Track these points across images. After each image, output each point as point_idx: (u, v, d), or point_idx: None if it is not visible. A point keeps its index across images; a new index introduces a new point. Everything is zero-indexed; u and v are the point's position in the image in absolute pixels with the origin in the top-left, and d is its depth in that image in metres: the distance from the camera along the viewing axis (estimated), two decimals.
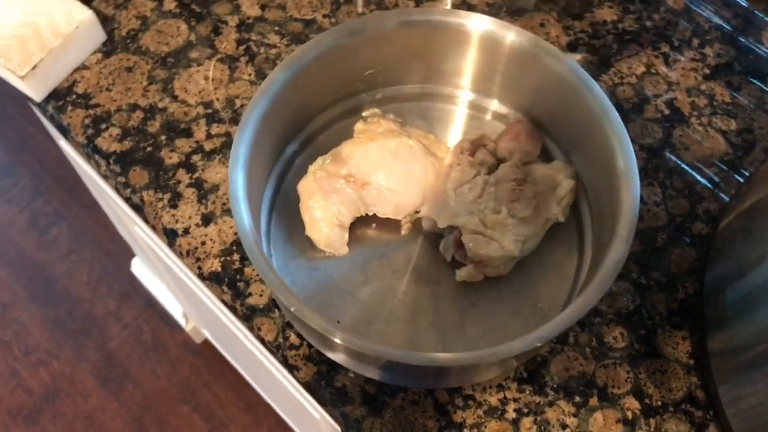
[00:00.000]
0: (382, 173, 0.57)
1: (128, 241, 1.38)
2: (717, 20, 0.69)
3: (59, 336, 1.60)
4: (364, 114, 0.61)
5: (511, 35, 0.56)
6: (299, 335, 0.55)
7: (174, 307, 1.49)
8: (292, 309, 0.46)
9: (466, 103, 0.63)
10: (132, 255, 1.53)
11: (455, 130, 0.62)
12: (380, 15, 0.57)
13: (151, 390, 1.55)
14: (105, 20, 0.68)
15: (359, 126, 0.59)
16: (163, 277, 1.22)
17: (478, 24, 0.56)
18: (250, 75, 0.65)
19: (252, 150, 0.52)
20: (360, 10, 0.70)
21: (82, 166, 0.94)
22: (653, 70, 0.66)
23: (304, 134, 0.61)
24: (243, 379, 1.48)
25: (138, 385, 1.56)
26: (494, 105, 0.62)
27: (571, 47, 0.67)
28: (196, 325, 1.48)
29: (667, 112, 0.64)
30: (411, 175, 0.58)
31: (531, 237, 0.56)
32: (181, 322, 1.51)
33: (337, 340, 0.46)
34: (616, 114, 0.52)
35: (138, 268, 1.53)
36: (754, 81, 0.66)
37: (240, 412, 1.53)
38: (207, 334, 1.45)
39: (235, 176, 0.50)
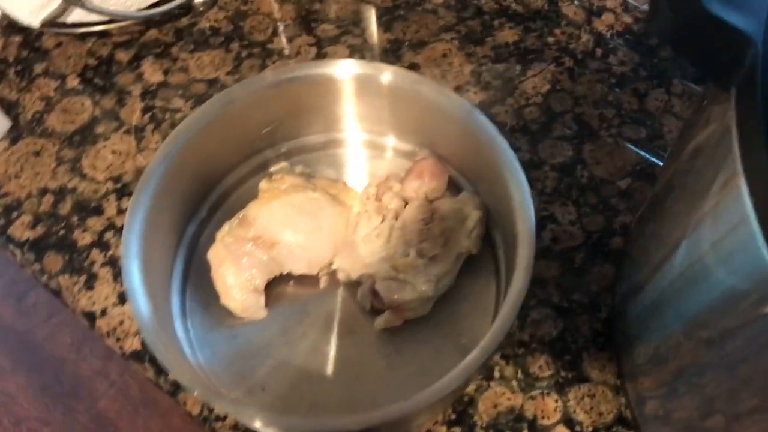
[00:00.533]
0: (289, 231, 0.56)
1: None
2: (618, 27, 0.69)
3: (48, 402, 1.60)
4: (272, 169, 0.61)
5: (386, 75, 0.55)
6: None
7: None
8: (195, 393, 0.46)
9: (368, 145, 0.62)
10: None
11: (363, 174, 0.62)
12: (247, 83, 0.56)
13: None
14: (9, 106, 0.68)
15: (263, 185, 0.59)
16: None
17: (347, 70, 0.56)
18: (157, 143, 0.65)
19: (148, 232, 0.51)
20: (287, 52, 0.70)
21: None
22: (558, 87, 0.66)
23: (212, 198, 0.60)
24: None
25: None
26: (393, 143, 0.62)
27: (475, 74, 0.67)
28: None
29: (575, 128, 0.64)
30: (319, 229, 0.57)
31: (445, 274, 0.55)
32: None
33: (257, 424, 0.46)
34: (506, 144, 0.52)
35: None
36: (661, 85, 0.66)
37: None
38: None
39: (130, 268, 0.49)
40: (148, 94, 0.68)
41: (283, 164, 0.61)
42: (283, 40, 0.70)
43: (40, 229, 0.62)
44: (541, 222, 0.59)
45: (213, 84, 0.68)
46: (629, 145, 0.63)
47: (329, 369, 0.55)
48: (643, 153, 0.62)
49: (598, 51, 0.68)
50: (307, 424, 0.48)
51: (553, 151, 0.63)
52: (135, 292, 0.49)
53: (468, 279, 0.57)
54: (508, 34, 0.69)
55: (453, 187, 0.60)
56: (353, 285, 0.58)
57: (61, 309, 1.69)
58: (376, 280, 0.55)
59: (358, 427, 0.47)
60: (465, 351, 0.54)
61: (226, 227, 0.57)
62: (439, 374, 0.51)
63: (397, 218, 0.57)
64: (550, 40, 0.69)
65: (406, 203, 0.58)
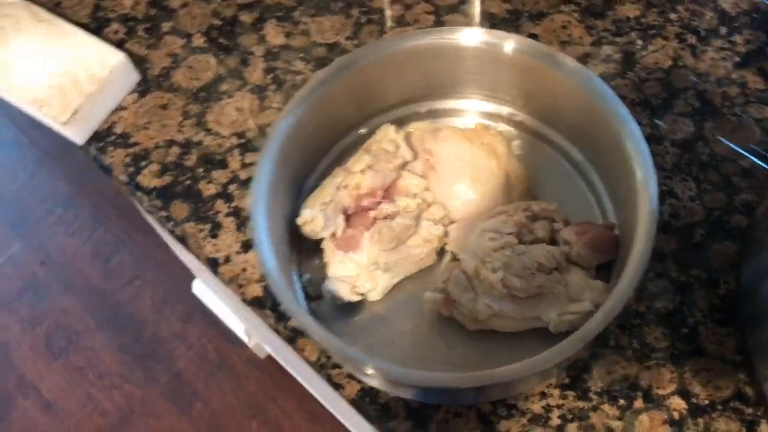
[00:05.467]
0: (451, 171, 0.58)
1: (188, 264, 1.42)
2: (745, 6, 0.68)
3: (129, 360, 1.66)
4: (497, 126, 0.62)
5: (509, 44, 0.56)
6: None
7: (236, 325, 1.53)
8: (325, 345, 0.48)
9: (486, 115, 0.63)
10: (193, 277, 1.57)
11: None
12: (371, 47, 0.59)
13: (220, 407, 1.59)
14: (138, 61, 0.71)
15: (477, 126, 0.60)
16: (223, 297, 1.26)
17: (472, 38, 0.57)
18: (279, 102, 0.67)
19: (272, 188, 0.54)
20: (389, 24, 0.71)
21: None
22: (680, 63, 0.65)
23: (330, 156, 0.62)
24: (307, 392, 1.50)
25: (207, 403, 1.60)
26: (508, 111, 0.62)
27: (595, 47, 0.67)
28: (258, 341, 1.51)
29: (697, 104, 0.63)
30: (474, 194, 0.58)
31: (508, 318, 0.53)
32: (244, 338, 1.54)
33: (369, 371, 0.48)
34: (629, 115, 0.52)
35: (199, 289, 1.57)
36: None
37: (306, 424, 1.56)
38: (269, 350, 1.48)
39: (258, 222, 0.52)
40: (270, 55, 0.70)
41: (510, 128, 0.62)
42: (398, 8, 0.71)
43: (167, 178, 0.65)
44: (661, 197, 0.59)
45: (333, 48, 0.70)
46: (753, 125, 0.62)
47: (411, 323, 0.57)
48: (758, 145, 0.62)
49: (723, 29, 0.67)
50: (421, 379, 0.49)
51: (673, 126, 0.63)
52: (262, 245, 0.51)
53: (527, 341, 0.54)
54: (629, 9, 0.69)
55: (603, 271, 0.56)
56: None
57: (144, 272, 1.74)
58: (458, 266, 0.55)
59: (466, 384, 0.48)
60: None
61: (424, 123, 0.60)
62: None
63: (525, 243, 0.55)
64: (673, 16, 0.68)
65: (550, 240, 0.56)
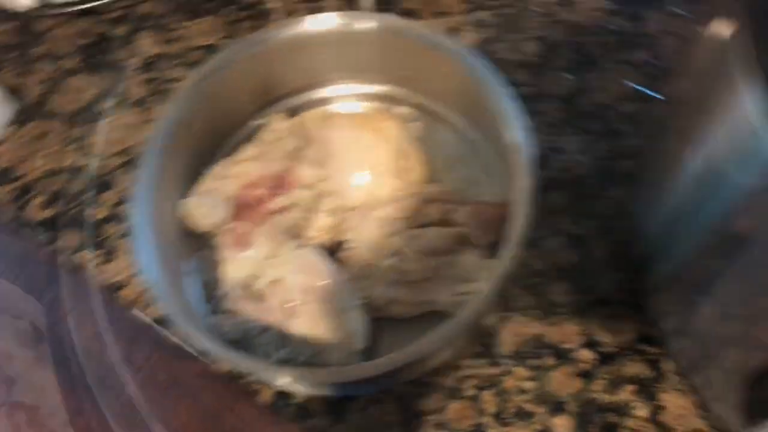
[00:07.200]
0: (345, 158, 0.57)
1: None
2: None
3: (78, 392, 1.62)
4: (397, 110, 0.61)
5: (369, 24, 0.56)
6: None
7: None
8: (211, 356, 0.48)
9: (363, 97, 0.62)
10: None
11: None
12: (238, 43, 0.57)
13: (178, 425, 1.57)
14: (13, 90, 0.68)
15: (369, 110, 0.59)
16: None
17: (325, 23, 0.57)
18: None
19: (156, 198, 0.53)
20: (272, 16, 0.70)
21: None
22: (557, 18, 0.66)
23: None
24: None
25: (165, 424, 1.57)
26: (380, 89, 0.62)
27: (469, 13, 0.67)
28: None
29: (575, 57, 0.64)
30: (363, 181, 0.57)
31: (403, 303, 0.53)
32: (193, 351, 1.52)
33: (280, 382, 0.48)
34: (496, 80, 0.52)
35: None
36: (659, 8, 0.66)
37: (269, 426, 1.55)
38: None
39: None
40: (146, 66, 0.68)
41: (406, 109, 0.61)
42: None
43: (54, 209, 0.63)
44: (550, 153, 0.60)
45: (211, 50, 0.68)
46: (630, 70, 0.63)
47: None
48: (638, 85, 0.63)
49: None
50: (335, 376, 0.49)
51: (556, 82, 0.63)
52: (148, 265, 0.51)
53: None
54: None
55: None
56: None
57: (79, 301, 1.71)
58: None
59: (375, 372, 0.48)
60: None
61: (313, 112, 0.59)
62: None
63: (419, 227, 0.55)
64: None
65: (445, 222, 0.55)
